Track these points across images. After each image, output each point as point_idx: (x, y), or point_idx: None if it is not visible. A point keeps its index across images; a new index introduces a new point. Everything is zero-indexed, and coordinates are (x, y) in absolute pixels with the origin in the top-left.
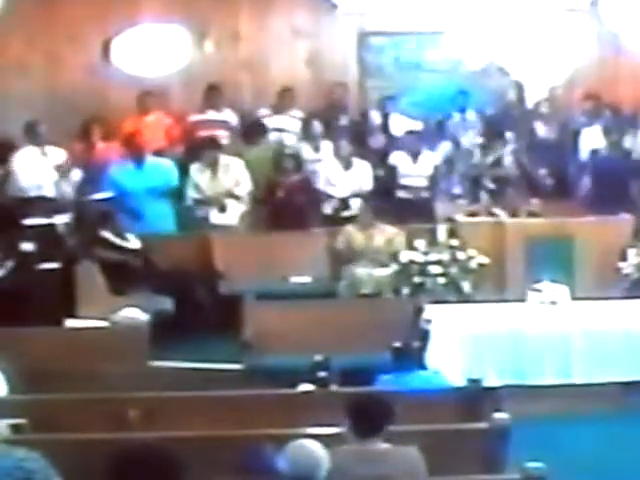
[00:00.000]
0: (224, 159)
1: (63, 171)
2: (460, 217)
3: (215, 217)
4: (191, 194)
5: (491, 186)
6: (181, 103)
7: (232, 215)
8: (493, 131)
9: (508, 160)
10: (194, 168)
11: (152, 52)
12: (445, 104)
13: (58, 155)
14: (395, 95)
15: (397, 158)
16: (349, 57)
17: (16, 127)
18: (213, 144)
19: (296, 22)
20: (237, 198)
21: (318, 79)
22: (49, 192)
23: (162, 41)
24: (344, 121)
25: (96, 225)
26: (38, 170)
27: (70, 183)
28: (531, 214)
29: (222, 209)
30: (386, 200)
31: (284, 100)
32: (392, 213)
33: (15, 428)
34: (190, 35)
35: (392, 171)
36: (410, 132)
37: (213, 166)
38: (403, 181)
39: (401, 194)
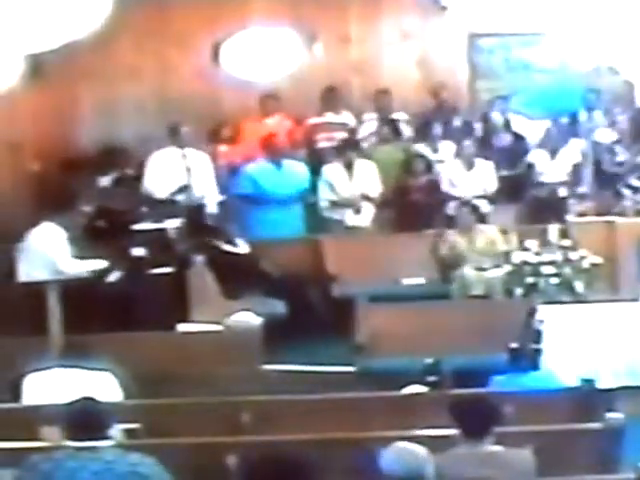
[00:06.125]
0: (359, 161)
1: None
2: (571, 217)
3: (350, 219)
4: (325, 195)
5: (635, 184)
6: (291, 106)
7: (366, 217)
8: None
9: None
10: (329, 169)
11: (262, 55)
12: (559, 103)
13: (199, 158)
14: (507, 95)
15: (535, 156)
16: (459, 59)
17: (127, 131)
18: (351, 145)
19: (405, 24)
20: (370, 200)
21: (428, 81)
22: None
23: (272, 44)
24: (457, 122)
25: (204, 231)
26: (176, 172)
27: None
28: None
29: (358, 211)
30: (516, 199)
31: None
32: (523, 212)
33: (129, 433)
34: (300, 38)
35: (529, 169)
36: (550, 129)
37: (349, 167)
38: (540, 179)
39: (536, 192)
